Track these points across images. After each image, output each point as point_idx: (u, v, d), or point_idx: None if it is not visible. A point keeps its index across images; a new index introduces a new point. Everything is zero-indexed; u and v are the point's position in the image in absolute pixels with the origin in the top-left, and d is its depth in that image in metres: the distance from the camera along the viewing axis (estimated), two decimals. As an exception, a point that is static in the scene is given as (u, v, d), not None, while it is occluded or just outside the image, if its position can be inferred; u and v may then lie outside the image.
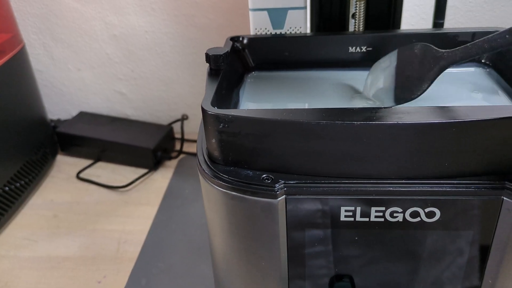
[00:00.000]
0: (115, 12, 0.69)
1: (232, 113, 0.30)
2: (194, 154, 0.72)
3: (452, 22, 0.66)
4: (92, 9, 0.70)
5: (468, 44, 0.31)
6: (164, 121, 0.78)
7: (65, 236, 0.58)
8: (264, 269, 0.34)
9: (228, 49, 0.39)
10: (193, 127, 0.77)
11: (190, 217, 0.60)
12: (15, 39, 0.63)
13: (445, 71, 0.41)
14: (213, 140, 0.32)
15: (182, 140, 0.73)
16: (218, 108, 0.32)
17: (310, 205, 0.31)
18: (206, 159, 0.33)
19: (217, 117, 0.30)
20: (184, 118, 0.76)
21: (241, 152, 0.31)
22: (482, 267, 0.32)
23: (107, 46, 0.72)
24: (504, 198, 0.29)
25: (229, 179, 0.31)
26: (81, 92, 0.77)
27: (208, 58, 0.37)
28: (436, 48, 0.34)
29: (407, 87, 0.35)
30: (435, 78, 0.33)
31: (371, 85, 0.38)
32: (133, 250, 0.55)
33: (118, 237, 0.57)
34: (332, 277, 0.34)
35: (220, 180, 0.31)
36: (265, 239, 0.32)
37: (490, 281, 0.32)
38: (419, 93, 0.34)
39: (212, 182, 0.32)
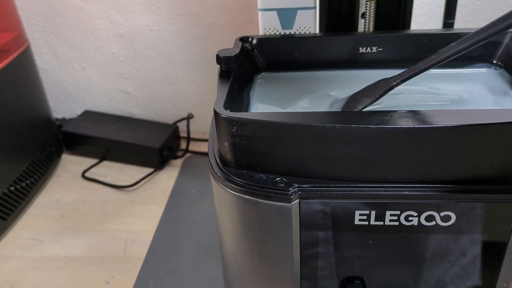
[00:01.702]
0: (121, 11, 0.69)
1: (246, 116, 0.30)
2: (200, 153, 0.72)
3: (460, 20, 0.65)
4: (97, 8, 0.69)
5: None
6: (170, 120, 0.77)
7: (72, 236, 0.58)
8: (277, 272, 0.34)
9: (238, 50, 0.39)
10: (199, 126, 0.77)
11: (197, 216, 0.60)
12: (20, 38, 0.63)
13: (458, 72, 0.41)
14: (226, 143, 0.31)
15: (188, 139, 0.73)
16: (230, 110, 0.31)
17: (324, 209, 0.30)
18: (218, 162, 0.33)
19: (230, 120, 0.30)
20: (189, 117, 0.76)
21: (254, 155, 0.31)
22: (497, 271, 0.32)
23: (113, 45, 0.72)
24: (520, 202, 0.29)
25: (242, 182, 0.31)
26: (86, 91, 0.77)
27: (219, 60, 0.37)
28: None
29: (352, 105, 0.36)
30: (381, 95, 0.34)
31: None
32: (141, 250, 0.55)
33: (125, 237, 0.57)
34: (344, 279, 0.34)
35: (233, 184, 0.31)
36: (278, 243, 0.32)
37: (504, 285, 0.32)
38: (360, 107, 0.34)
39: (224, 186, 0.32)
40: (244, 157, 0.31)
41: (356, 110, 0.34)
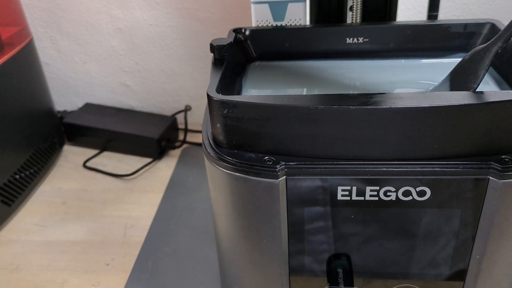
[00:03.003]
0: (120, 6, 0.71)
1: (236, 99, 0.32)
2: (197, 144, 0.74)
3: (448, 15, 0.68)
4: (98, 3, 0.72)
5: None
6: (168, 112, 0.80)
7: (74, 222, 0.60)
8: (266, 246, 0.36)
9: (231, 40, 0.41)
10: (196, 118, 0.79)
11: (194, 203, 0.62)
12: (24, 32, 0.65)
13: (439, 61, 0.44)
14: (218, 125, 0.34)
15: (186, 130, 0.75)
16: (222, 95, 0.34)
17: (309, 185, 0.33)
18: (211, 143, 0.35)
19: (222, 102, 0.32)
20: (187, 109, 0.78)
21: (244, 136, 0.33)
22: (471, 244, 0.34)
23: (112, 39, 0.74)
24: (490, 177, 0.31)
25: (233, 161, 0.33)
26: (87, 84, 0.79)
27: (213, 48, 0.39)
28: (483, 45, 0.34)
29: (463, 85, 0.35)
30: (489, 65, 0.33)
31: None
32: (140, 235, 0.57)
33: (124, 222, 0.59)
34: (330, 256, 0.36)
35: (224, 162, 0.33)
36: (267, 218, 0.34)
37: (478, 257, 0.34)
38: (476, 84, 0.33)
39: (217, 164, 0.34)
40: (235, 138, 0.34)
41: (472, 89, 0.33)
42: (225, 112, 0.33)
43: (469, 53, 0.36)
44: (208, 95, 0.33)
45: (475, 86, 0.33)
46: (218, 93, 0.33)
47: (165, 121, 0.74)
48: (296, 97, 0.32)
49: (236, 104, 0.32)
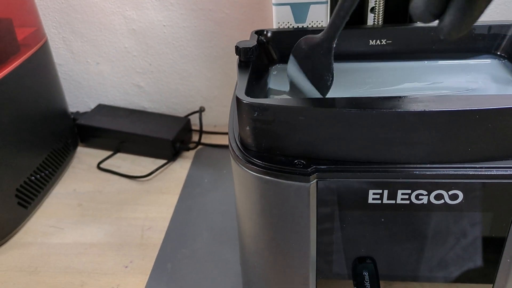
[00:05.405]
0: (134, 7, 0.71)
1: (267, 102, 0.32)
2: (211, 145, 0.74)
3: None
4: (112, 4, 0.72)
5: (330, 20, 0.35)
6: (181, 113, 0.79)
7: (90, 224, 0.60)
8: (294, 250, 0.36)
9: (255, 42, 0.41)
10: (209, 119, 0.79)
11: (210, 204, 0.62)
12: (39, 33, 0.65)
13: (463, 63, 0.43)
14: (247, 128, 0.34)
15: (201, 131, 0.75)
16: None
17: (339, 188, 0.33)
18: (239, 146, 0.35)
19: (251, 106, 0.32)
20: (201, 110, 0.78)
21: (274, 139, 0.33)
22: (501, 246, 0.34)
23: (126, 40, 0.74)
24: (524, 181, 0.31)
25: (263, 164, 0.33)
26: (100, 85, 0.79)
27: (238, 50, 0.39)
28: (312, 36, 0.37)
29: (321, 80, 0.37)
30: (332, 62, 0.36)
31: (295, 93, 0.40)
32: (157, 237, 0.57)
33: (141, 224, 0.59)
34: (355, 259, 0.36)
35: (253, 165, 0.33)
36: (295, 221, 0.34)
37: (508, 260, 0.34)
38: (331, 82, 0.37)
39: (245, 167, 0.34)
40: (265, 141, 0.34)
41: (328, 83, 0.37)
42: (255, 115, 0.32)
43: (305, 43, 0.38)
44: (237, 98, 0.33)
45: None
46: (247, 96, 0.33)
47: (179, 122, 0.74)
48: (328, 100, 0.32)
49: (266, 107, 0.32)
